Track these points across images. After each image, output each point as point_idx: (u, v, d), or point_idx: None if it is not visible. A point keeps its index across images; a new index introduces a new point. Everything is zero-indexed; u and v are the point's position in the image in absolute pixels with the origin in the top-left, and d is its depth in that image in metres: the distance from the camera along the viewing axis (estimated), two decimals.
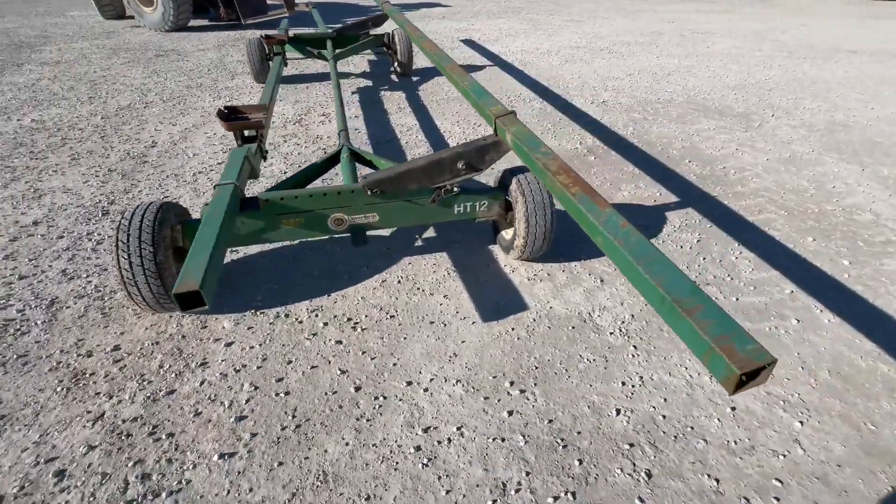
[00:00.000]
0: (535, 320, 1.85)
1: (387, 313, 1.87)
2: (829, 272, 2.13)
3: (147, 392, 1.53)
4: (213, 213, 1.52)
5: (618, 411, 1.50)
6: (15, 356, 1.66)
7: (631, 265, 1.03)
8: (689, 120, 3.87)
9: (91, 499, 1.24)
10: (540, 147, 1.51)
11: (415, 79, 4.86)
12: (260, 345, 1.72)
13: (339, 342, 1.74)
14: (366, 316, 1.86)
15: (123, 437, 1.40)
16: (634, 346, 1.73)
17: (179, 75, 4.92)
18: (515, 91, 4.53)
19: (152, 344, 1.71)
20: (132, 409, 1.48)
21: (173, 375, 1.59)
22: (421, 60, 5.52)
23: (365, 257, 2.18)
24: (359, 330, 1.79)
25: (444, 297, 1.97)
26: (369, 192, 1.80)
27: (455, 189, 1.89)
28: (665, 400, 1.54)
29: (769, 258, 2.22)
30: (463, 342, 1.75)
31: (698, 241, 2.35)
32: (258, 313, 1.86)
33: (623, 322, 1.84)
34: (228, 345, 1.71)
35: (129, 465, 1.32)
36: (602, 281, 2.05)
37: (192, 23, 7.87)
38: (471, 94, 2.03)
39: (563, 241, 2.28)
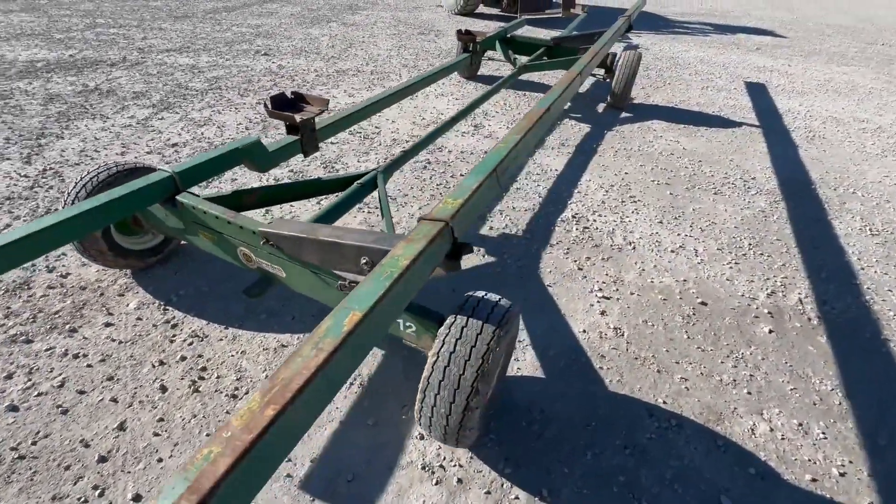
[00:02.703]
0: None
1: (236, 388, 1.46)
2: None
3: (20, 329, 1.60)
4: (93, 198, 1.40)
5: None
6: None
7: None
8: None
9: None
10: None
11: (624, 115, 3.84)
12: (121, 342, 1.58)
13: (164, 389, 1.44)
14: (218, 377, 1.50)
15: None
16: None
17: (411, 53, 5.23)
18: (749, 171, 3.03)
19: (81, 288, 1.80)
20: None
21: (48, 327, 1.62)
22: (658, 97, 4.34)
23: (307, 310, 1.78)
24: (192, 390, 1.45)
25: None
26: (262, 242, 1.38)
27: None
28: None
29: None
30: None
31: None
32: (161, 308, 1.73)
33: None
34: (107, 325, 1.64)
35: None
36: None
37: (483, 10, 8.36)
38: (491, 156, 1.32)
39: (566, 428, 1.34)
